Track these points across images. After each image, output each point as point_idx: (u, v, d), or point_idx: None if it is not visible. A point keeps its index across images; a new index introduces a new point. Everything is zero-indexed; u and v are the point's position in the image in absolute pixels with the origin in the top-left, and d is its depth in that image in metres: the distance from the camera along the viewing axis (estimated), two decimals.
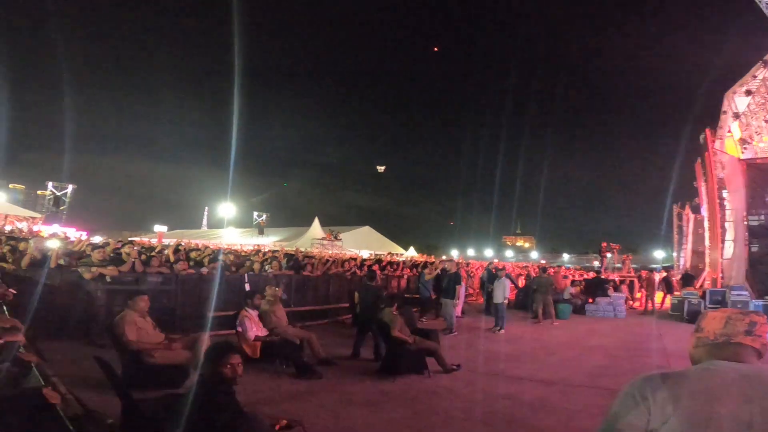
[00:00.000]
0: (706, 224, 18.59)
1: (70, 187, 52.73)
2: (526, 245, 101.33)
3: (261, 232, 35.31)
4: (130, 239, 21.72)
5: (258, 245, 23.99)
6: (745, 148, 16.91)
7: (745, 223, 13.93)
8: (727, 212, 15.73)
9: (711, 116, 18.35)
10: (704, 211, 19.11)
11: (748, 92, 16.41)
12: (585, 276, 18.94)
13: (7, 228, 20.52)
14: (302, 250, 18.24)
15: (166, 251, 9.11)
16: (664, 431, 1.16)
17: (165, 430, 2.47)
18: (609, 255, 19.74)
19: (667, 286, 14.85)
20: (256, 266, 9.30)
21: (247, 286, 8.45)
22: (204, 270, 8.17)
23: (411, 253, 34.03)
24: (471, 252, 64.37)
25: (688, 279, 15.08)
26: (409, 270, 14.33)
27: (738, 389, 1.16)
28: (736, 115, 16.79)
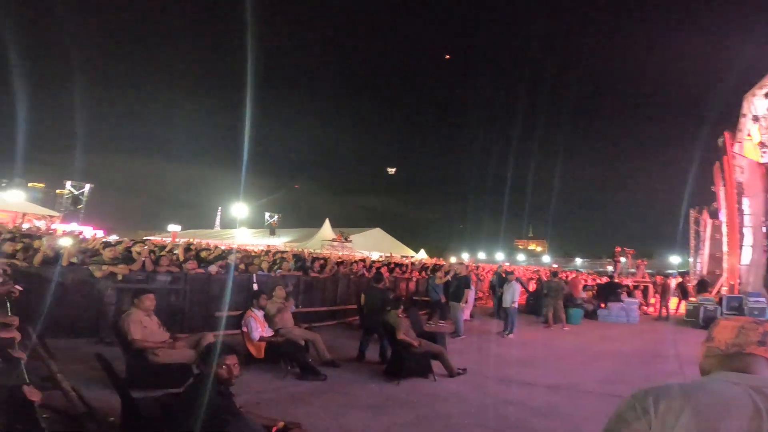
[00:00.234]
0: (724, 229, 18.16)
1: (87, 186, 53.67)
2: (538, 249, 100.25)
3: (272, 233, 35.55)
4: (145, 238, 22.05)
5: (269, 246, 24.14)
6: (764, 152, 16.48)
7: (764, 228, 13.57)
8: (746, 217, 15.34)
9: (730, 119, 17.97)
10: (722, 216, 18.66)
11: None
12: (597, 280, 18.64)
13: (25, 226, 20.96)
14: (311, 251, 18.30)
15: (176, 250, 9.20)
16: None
17: (162, 429, 2.47)
18: (623, 259, 19.38)
19: (683, 291, 14.53)
20: (264, 265, 9.33)
21: (255, 286, 8.49)
22: (213, 269, 8.22)
23: (422, 255, 33.93)
24: (482, 255, 63.89)
25: (703, 285, 14.73)
26: (418, 272, 14.26)
27: (747, 403, 1.08)
28: (756, 118, 16.39)
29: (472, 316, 11.77)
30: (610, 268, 21.68)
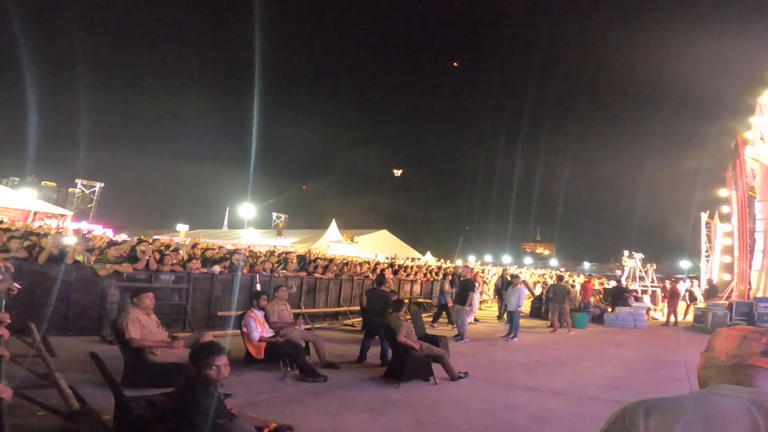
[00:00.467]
0: (735, 234, 17.88)
1: (98, 185, 54.40)
2: (546, 252, 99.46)
3: (279, 234, 35.64)
4: (154, 237, 22.22)
5: (275, 246, 24.21)
6: None
7: None
8: (758, 222, 15.08)
9: (743, 122, 17.69)
10: (734, 220, 18.38)
11: None
12: (605, 284, 18.42)
13: (36, 224, 21.22)
14: (317, 252, 18.31)
15: (180, 250, 9.24)
16: None
17: (153, 429, 2.46)
18: (631, 263, 19.13)
19: (691, 296, 14.31)
20: (267, 266, 9.35)
21: (258, 287, 8.51)
22: (216, 269, 8.25)
23: (428, 257, 33.81)
24: (489, 258, 63.56)
25: (712, 290, 14.50)
26: (422, 275, 14.21)
27: (744, 418, 1.01)
28: None
29: (476, 319, 11.71)
30: (618, 273, 21.37)
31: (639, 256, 19.02)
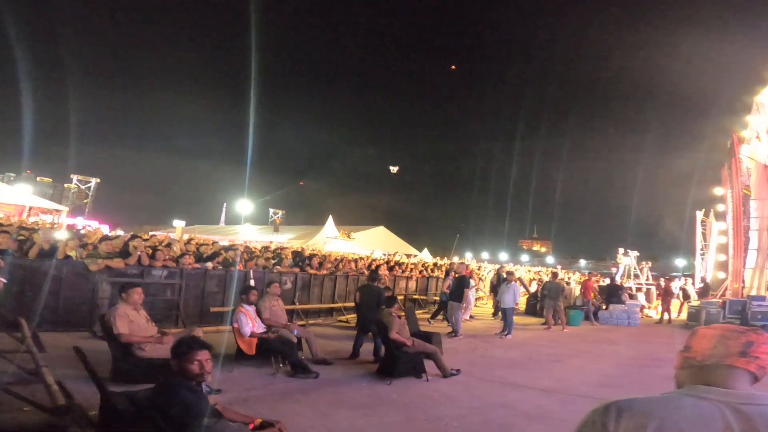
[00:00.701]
0: (730, 232, 17.94)
1: (93, 181, 54.17)
2: (543, 250, 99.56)
3: (276, 230, 35.58)
4: (151, 233, 22.12)
5: (270, 242, 24.16)
6: None
7: None
8: (752, 220, 15.13)
9: (739, 121, 17.72)
10: (729, 219, 18.44)
11: None
12: (599, 282, 18.47)
13: (32, 219, 21.11)
14: (311, 248, 18.28)
15: (173, 245, 9.20)
16: None
17: (137, 425, 2.44)
18: (626, 261, 19.19)
19: (685, 294, 14.37)
20: (261, 261, 9.32)
21: (251, 282, 8.48)
22: (209, 265, 8.22)
23: (425, 254, 33.82)
24: (486, 255, 63.66)
25: (706, 288, 14.56)
26: (418, 272, 14.21)
27: (717, 422, 1.00)
28: (765, 121, 16.13)
29: (471, 316, 11.72)
30: (614, 270, 21.44)
31: (634, 254, 19.08)
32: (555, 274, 13.34)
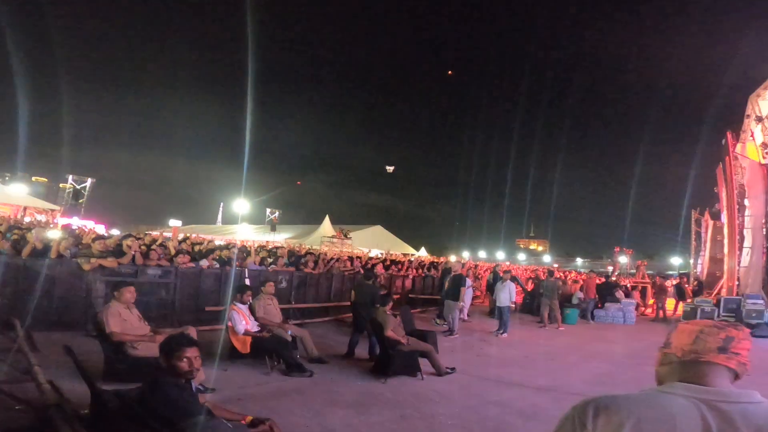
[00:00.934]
0: (725, 231, 18.01)
1: (89, 181, 53.76)
2: (540, 248, 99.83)
3: (273, 229, 35.52)
4: (146, 233, 22.06)
5: (266, 242, 24.12)
6: (767, 153, 16.30)
7: (764, 230, 13.44)
8: (747, 219, 15.20)
9: (734, 120, 17.79)
10: (724, 218, 18.51)
11: None
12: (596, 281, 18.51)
13: (27, 219, 21.00)
14: (307, 247, 18.26)
15: (167, 244, 9.16)
16: None
17: (127, 423, 2.43)
18: (622, 259, 19.28)
19: (680, 293, 14.43)
20: (256, 259, 9.30)
21: (247, 281, 8.46)
22: (204, 264, 8.19)
23: (422, 253, 33.84)
24: (483, 254, 63.77)
25: (701, 287, 14.63)
26: (415, 270, 14.20)
27: (695, 420, 0.98)
28: (759, 119, 16.19)
29: (468, 315, 11.72)
30: (610, 268, 21.54)
31: (630, 253, 19.17)
32: (551, 273, 13.35)
